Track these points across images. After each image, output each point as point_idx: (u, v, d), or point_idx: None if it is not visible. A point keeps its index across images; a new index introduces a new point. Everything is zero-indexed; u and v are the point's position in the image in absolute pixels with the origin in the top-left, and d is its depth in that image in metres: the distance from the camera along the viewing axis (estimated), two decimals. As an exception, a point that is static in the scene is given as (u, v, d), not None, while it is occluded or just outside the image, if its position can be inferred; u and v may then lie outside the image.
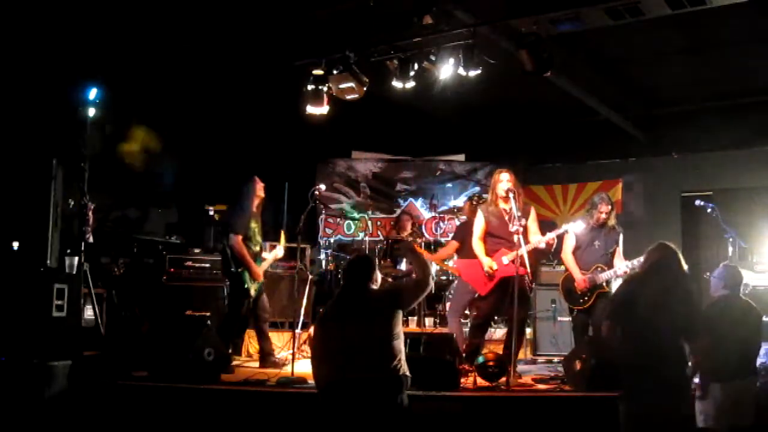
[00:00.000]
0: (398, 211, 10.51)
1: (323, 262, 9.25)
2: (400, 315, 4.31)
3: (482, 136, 10.93)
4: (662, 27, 7.02)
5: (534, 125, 10.81)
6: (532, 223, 6.17)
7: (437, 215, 10.00)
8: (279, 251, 6.91)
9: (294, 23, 7.11)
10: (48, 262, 5.74)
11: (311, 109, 7.48)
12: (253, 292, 6.66)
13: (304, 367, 5.85)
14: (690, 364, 4.40)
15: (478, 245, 6.19)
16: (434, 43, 6.93)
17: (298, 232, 6.64)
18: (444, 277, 8.55)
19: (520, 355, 6.93)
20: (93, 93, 5.95)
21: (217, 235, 7.77)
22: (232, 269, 6.58)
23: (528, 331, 7.70)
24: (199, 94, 8.62)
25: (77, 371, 5.48)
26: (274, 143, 9.67)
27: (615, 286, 6.32)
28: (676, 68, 8.51)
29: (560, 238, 6.39)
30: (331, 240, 10.28)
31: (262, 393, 5.44)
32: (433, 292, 8.52)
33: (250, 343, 7.42)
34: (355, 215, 10.13)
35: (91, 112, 5.93)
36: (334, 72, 7.20)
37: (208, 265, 7.90)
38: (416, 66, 7.06)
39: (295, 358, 6.17)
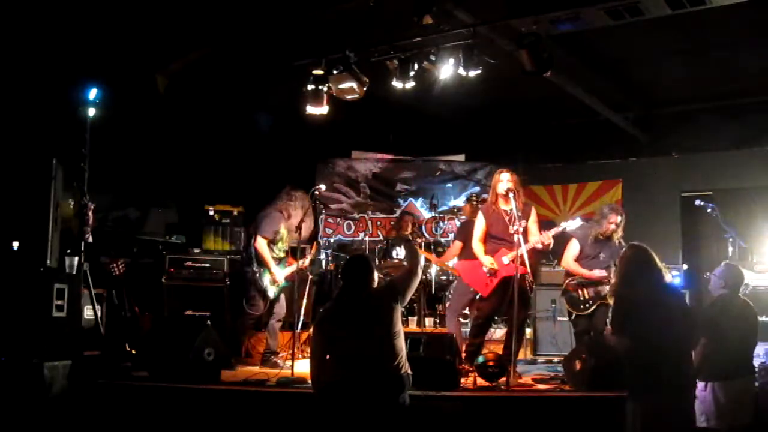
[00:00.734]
0: (398, 211, 10.50)
1: (323, 262, 9.24)
2: (399, 311, 4.32)
3: (482, 136, 10.91)
4: (662, 27, 7.00)
5: (534, 125, 10.78)
6: (533, 225, 6.16)
7: (437, 215, 9.99)
8: (306, 260, 7.04)
9: (294, 23, 7.10)
10: (48, 262, 5.72)
11: (311, 109, 7.49)
12: (271, 294, 6.87)
13: (304, 367, 5.85)
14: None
15: (477, 246, 6.20)
16: (434, 43, 6.93)
17: (297, 232, 6.67)
18: (444, 277, 8.54)
19: (520, 355, 6.94)
20: (93, 93, 5.93)
21: (248, 234, 7.86)
22: (255, 268, 6.80)
23: (528, 331, 7.71)
24: (199, 94, 8.62)
25: (77, 371, 5.48)
26: (274, 143, 9.67)
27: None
28: (676, 68, 8.48)
29: (562, 244, 6.38)
30: (331, 240, 10.27)
31: (262, 393, 5.44)
32: (433, 292, 8.58)
33: (251, 343, 7.42)
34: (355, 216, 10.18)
35: (91, 112, 5.91)
36: (334, 72, 7.20)
37: (208, 265, 7.90)
38: (416, 66, 7.06)
39: (295, 358, 6.18)
